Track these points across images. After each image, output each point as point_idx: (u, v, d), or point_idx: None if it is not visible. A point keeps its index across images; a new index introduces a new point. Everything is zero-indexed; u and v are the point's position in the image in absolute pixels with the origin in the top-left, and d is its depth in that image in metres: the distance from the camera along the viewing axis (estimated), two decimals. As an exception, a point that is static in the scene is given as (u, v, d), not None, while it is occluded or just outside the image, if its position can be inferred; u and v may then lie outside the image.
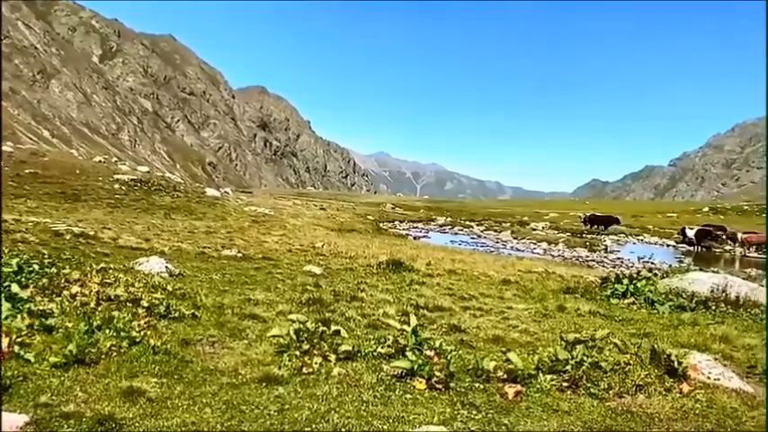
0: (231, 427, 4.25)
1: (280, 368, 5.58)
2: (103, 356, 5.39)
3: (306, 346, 5.98)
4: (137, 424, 4.16)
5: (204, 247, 16.31)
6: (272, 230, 27.12)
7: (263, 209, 37.70)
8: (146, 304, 7.29)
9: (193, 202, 34.88)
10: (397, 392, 5.20)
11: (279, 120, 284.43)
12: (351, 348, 6.14)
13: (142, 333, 6.07)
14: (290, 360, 5.74)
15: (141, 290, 8.14)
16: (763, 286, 13.03)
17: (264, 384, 5.17)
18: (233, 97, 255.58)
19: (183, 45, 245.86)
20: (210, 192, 42.10)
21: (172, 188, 37.88)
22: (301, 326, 6.19)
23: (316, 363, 5.71)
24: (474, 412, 4.85)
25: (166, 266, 10.77)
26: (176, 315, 7.25)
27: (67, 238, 14.74)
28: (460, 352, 6.45)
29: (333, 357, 5.90)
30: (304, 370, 5.55)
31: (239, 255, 14.92)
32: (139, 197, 32.33)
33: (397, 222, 52.79)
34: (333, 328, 6.48)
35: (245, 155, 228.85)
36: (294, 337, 6.08)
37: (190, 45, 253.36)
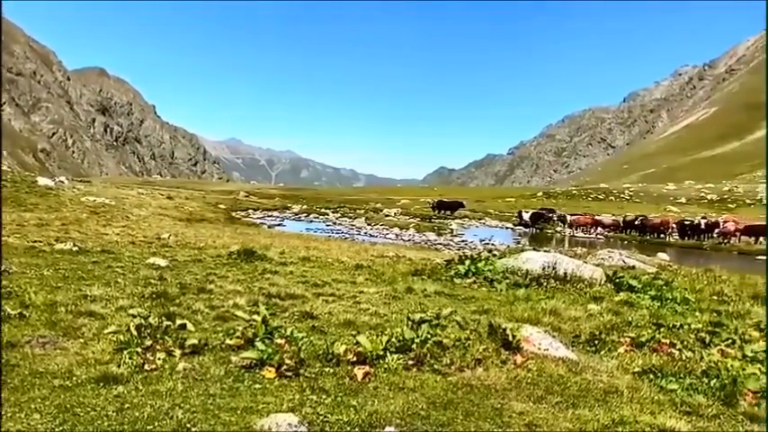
0: (63, 432, 3.96)
1: (119, 366, 5.27)
2: None
3: (148, 342, 5.70)
4: (-51, 439, 3.76)
5: (35, 241, 14.93)
6: (113, 222, 25.47)
7: (102, 199, 35.22)
8: (-38, 306, 6.57)
9: (23, 192, 31.75)
10: (245, 383, 5.12)
11: (120, 103, 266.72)
12: (197, 342, 5.94)
13: (-43, 338, 5.47)
14: (130, 357, 5.44)
15: (-44, 291, 7.31)
16: (587, 263, 14.39)
17: (102, 384, 4.85)
18: (68, 79, 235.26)
19: (7, 20, 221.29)
20: (43, 181, 38.54)
21: (-5, 177, 34.25)
22: (143, 321, 5.88)
23: (159, 359, 5.46)
24: (323, 396, 4.91)
25: (-12, 264, 9.74)
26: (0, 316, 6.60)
27: None
28: (312, 338, 6.47)
29: (178, 352, 5.68)
30: (146, 367, 5.29)
31: (75, 248, 13.83)
32: (-45, 187, 28.90)
33: (250, 211, 51.78)
34: (178, 321, 6.22)
35: (83, 141, 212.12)
36: (135, 332, 5.77)
37: (16, 21, 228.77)
